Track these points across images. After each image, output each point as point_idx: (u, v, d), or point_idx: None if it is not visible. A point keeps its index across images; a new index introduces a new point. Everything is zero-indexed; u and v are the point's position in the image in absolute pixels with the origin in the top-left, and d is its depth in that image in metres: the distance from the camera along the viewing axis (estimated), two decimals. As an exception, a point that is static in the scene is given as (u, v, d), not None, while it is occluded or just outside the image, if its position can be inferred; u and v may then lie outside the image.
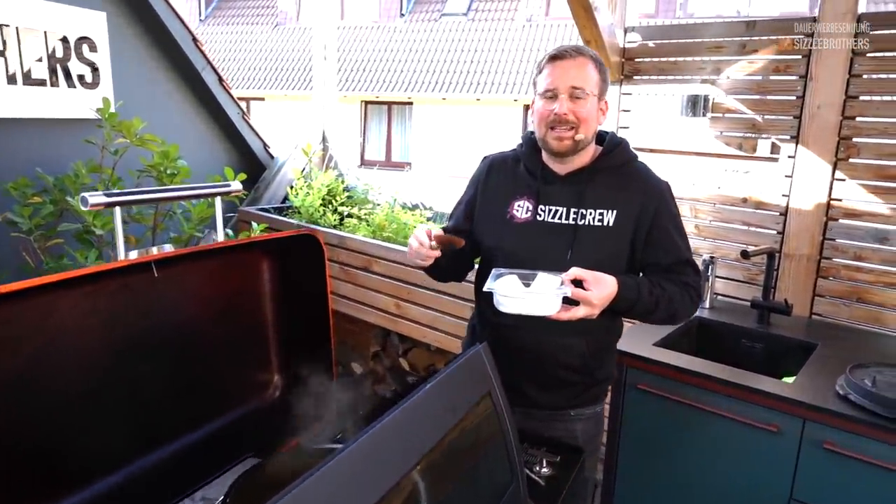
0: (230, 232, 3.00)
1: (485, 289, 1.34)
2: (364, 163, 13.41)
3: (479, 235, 1.60)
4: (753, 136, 2.37)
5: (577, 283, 1.34)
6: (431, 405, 0.96)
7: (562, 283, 1.33)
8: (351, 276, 3.28)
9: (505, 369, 1.23)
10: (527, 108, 11.87)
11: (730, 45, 2.39)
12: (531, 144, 1.57)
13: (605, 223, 1.46)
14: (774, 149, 2.33)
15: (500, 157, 1.65)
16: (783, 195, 2.33)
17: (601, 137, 1.56)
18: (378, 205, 3.85)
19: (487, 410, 1.11)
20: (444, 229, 1.61)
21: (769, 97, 2.32)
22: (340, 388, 1.41)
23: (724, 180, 2.48)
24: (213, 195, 1.31)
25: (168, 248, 1.21)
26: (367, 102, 13.30)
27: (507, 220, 1.53)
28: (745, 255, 2.02)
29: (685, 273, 1.50)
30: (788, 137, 2.30)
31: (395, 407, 0.90)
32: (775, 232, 2.37)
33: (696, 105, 2.42)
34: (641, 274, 1.52)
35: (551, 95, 1.42)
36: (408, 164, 13.05)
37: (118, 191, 1.23)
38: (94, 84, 3.01)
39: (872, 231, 2.16)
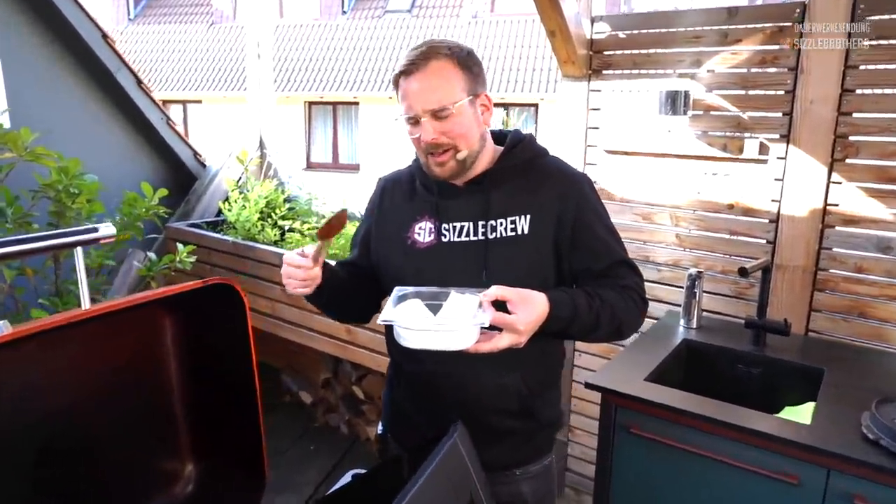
0: (153, 256, 2.60)
1: (380, 320, 1.06)
2: (310, 166, 12.93)
3: (379, 268, 1.37)
4: (739, 135, 2.14)
5: (500, 304, 1.08)
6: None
7: (480, 306, 1.07)
8: (295, 300, 2.92)
9: (425, 423, 1.05)
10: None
11: (709, 35, 2.15)
12: None
13: (520, 231, 1.24)
14: (763, 149, 2.10)
15: (395, 176, 1.44)
16: (773, 200, 2.11)
17: (501, 137, 1.35)
18: (323, 216, 3.50)
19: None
20: (341, 264, 1.38)
21: (755, 92, 2.10)
22: (274, 474, 1.08)
23: (707, 185, 2.24)
24: (71, 246, 0.96)
25: (4, 327, 0.84)
26: (311, 103, 12.82)
27: (408, 246, 1.31)
28: (743, 272, 1.78)
29: (622, 275, 1.27)
30: (778, 136, 2.07)
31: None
32: (765, 241, 2.15)
33: (675, 102, 2.18)
34: (574, 285, 1.30)
35: (413, 122, 1.21)
36: (356, 167, 12.63)
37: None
38: (-21, 88, 2.56)
39: (874, 239, 1.95)
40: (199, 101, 12.99)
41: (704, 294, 2.22)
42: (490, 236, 1.24)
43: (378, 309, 1.43)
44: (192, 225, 3.47)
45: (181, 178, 3.78)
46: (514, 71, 11.42)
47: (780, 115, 2.06)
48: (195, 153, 3.81)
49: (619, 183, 2.43)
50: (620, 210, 2.40)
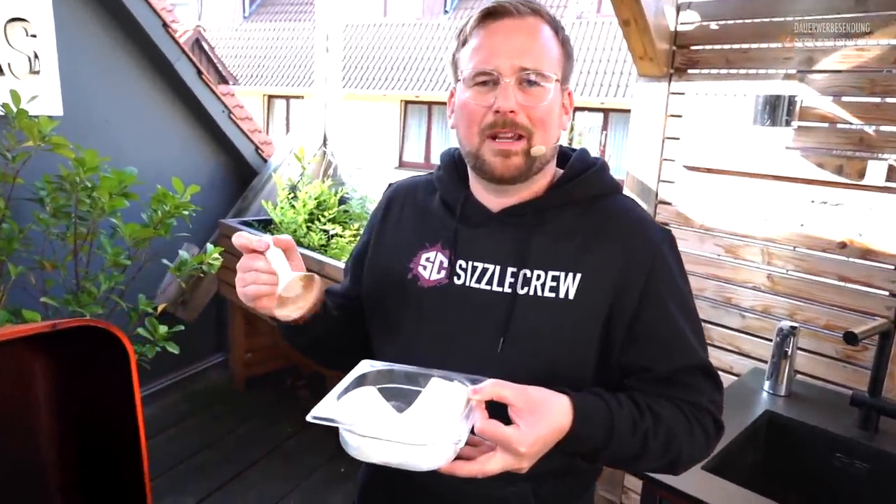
0: (209, 247, 2.44)
1: (312, 415, 0.72)
2: (402, 164, 12.94)
3: (365, 304, 1.04)
4: (861, 154, 1.67)
5: (497, 406, 0.75)
6: None
7: (467, 405, 0.74)
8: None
9: None
10: (587, 109, 11.18)
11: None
12: (452, 166, 1.02)
13: (562, 294, 0.88)
14: (892, 174, 1.62)
15: (409, 185, 1.09)
16: (903, 242, 1.63)
17: (561, 155, 0.99)
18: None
19: None
20: (328, 292, 1.02)
21: (889, 100, 1.62)
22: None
23: (813, 216, 1.78)
24: None
25: None
26: (407, 102, 12.81)
27: (407, 281, 0.97)
28: (851, 339, 1.33)
29: (696, 387, 0.88)
30: (915, 159, 1.59)
31: None
32: (888, 294, 1.66)
33: (776, 110, 1.73)
34: (624, 384, 0.90)
35: (486, 80, 0.86)
36: (447, 167, 12.47)
37: None
38: (32, 76, 2.53)
39: None
40: (301, 97, 13.33)
41: (799, 352, 1.76)
42: (520, 290, 0.90)
43: (371, 354, 1.10)
44: (244, 223, 3.35)
45: (244, 173, 3.70)
46: (617, 75, 10.82)
47: (920, 131, 1.58)
48: (257, 148, 3.71)
49: (700, 207, 2.00)
50: (699, 240, 1.97)
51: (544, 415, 0.76)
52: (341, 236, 2.88)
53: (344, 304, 1.05)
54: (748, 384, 1.75)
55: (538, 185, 0.93)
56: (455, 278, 0.94)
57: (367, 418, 0.74)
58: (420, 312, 0.95)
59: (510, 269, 0.91)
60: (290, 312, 0.84)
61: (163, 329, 2.27)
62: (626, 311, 0.87)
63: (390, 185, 1.12)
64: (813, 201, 1.79)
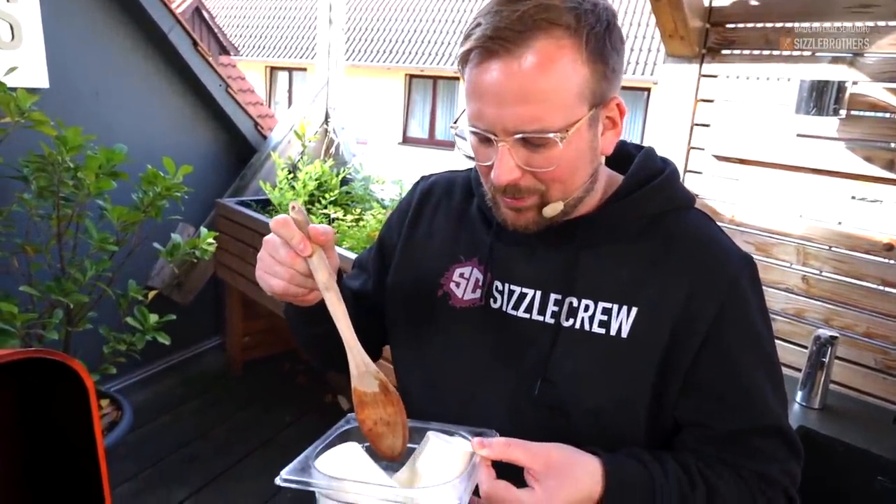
0: (203, 231, 2.30)
1: (279, 478, 0.61)
2: (406, 140, 12.75)
3: (391, 316, 0.90)
4: (915, 149, 1.52)
5: (509, 465, 0.63)
6: None
7: (469, 461, 0.63)
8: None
9: None
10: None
11: (886, 4, 1.52)
12: None
13: (614, 329, 0.73)
14: (950, 172, 1.48)
15: (445, 181, 0.92)
16: (958, 246, 1.49)
17: (624, 155, 0.81)
18: (382, 203, 3.13)
19: None
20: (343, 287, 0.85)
21: (951, 89, 1.47)
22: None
23: (855, 213, 1.64)
24: None
25: None
26: (411, 76, 12.57)
27: (437, 299, 0.84)
28: (906, 358, 1.20)
29: (768, 453, 0.73)
30: (977, 155, 1.45)
31: None
32: (938, 301, 1.53)
33: (822, 97, 1.58)
34: (677, 442, 0.76)
35: (484, 139, 0.70)
36: (452, 144, 12.27)
37: None
38: (14, 45, 2.37)
39: None
40: (304, 69, 13.08)
41: (836, 361, 1.63)
42: (565, 322, 0.76)
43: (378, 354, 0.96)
44: (242, 203, 3.21)
45: (243, 150, 3.54)
46: (636, 52, 10.52)
47: (985, 123, 1.43)
48: (256, 124, 3.55)
49: (730, 200, 1.86)
50: (729, 235, 1.83)
51: (567, 479, 0.63)
52: (343, 220, 2.74)
53: (356, 302, 0.90)
54: (778, 394, 1.63)
55: (591, 197, 0.77)
56: (492, 301, 0.80)
57: (349, 481, 0.61)
58: (449, 335, 0.82)
59: (553, 296, 0.76)
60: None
61: (153, 318, 2.16)
62: (685, 357, 0.72)
63: (423, 178, 0.95)
64: (854, 197, 1.65)
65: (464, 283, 0.82)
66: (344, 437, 0.68)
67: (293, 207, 0.68)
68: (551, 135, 0.66)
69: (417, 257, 0.88)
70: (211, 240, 2.29)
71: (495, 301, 0.80)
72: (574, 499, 0.63)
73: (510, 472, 0.64)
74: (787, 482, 0.74)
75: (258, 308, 3.20)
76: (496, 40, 0.64)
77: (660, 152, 0.84)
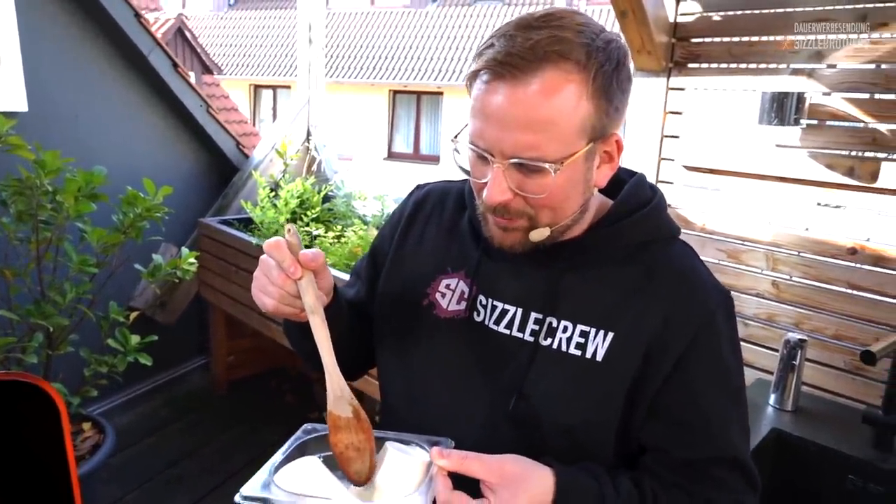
0: (185, 251, 2.31)
1: (238, 496, 0.63)
2: (391, 155, 12.80)
3: (378, 323, 0.92)
4: (874, 155, 1.58)
5: (464, 477, 0.66)
6: None
7: (427, 472, 0.66)
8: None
9: None
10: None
11: (840, 17, 1.59)
12: None
13: (590, 354, 0.76)
14: (907, 177, 1.53)
15: (439, 191, 0.95)
16: (918, 249, 1.54)
17: (614, 179, 0.81)
18: (363, 219, 3.15)
19: None
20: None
21: (904, 98, 1.52)
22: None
23: (821, 220, 1.69)
24: None
25: None
26: (395, 92, 12.65)
27: (422, 308, 0.86)
28: (868, 358, 1.23)
29: (723, 483, 0.75)
30: (932, 161, 1.50)
31: None
32: (901, 303, 1.57)
33: (783, 107, 1.63)
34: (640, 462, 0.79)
35: (481, 157, 0.72)
36: (437, 158, 12.34)
37: None
38: (-9, 68, 2.38)
39: None
40: (288, 87, 13.12)
41: (806, 363, 1.67)
42: (543, 341, 0.78)
43: (368, 368, 0.99)
44: (225, 222, 3.22)
45: (224, 169, 3.56)
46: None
47: (938, 130, 1.48)
48: (238, 143, 3.57)
49: (700, 209, 1.90)
50: (700, 244, 1.87)
51: (520, 490, 0.66)
52: (325, 237, 2.76)
53: (350, 310, 0.93)
54: (752, 397, 1.66)
55: (580, 223, 0.79)
56: (475, 314, 0.83)
57: (308, 495, 0.63)
58: (432, 344, 0.85)
59: (534, 315, 0.79)
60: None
61: (135, 339, 2.16)
62: (654, 383, 0.74)
63: (419, 186, 0.98)
64: (820, 204, 1.70)
65: (449, 294, 0.85)
66: (302, 450, 0.70)
67: (289, 230, 0.71)
68: (547, 165, 0.68)
69: (407, 266, 0.90)
70: (192, 260, 2.29)
71: (478, 314, 0.82)
72: None
73: (466, 483, 0.66)
74: None
75: (243, 327, 3.20)
76: (506, 66, 0.66)
77: (633, 164, 0.87)
